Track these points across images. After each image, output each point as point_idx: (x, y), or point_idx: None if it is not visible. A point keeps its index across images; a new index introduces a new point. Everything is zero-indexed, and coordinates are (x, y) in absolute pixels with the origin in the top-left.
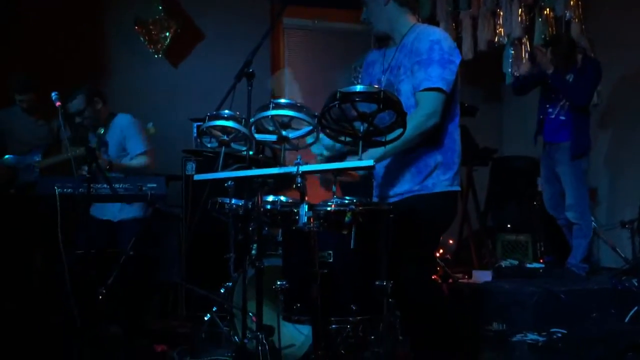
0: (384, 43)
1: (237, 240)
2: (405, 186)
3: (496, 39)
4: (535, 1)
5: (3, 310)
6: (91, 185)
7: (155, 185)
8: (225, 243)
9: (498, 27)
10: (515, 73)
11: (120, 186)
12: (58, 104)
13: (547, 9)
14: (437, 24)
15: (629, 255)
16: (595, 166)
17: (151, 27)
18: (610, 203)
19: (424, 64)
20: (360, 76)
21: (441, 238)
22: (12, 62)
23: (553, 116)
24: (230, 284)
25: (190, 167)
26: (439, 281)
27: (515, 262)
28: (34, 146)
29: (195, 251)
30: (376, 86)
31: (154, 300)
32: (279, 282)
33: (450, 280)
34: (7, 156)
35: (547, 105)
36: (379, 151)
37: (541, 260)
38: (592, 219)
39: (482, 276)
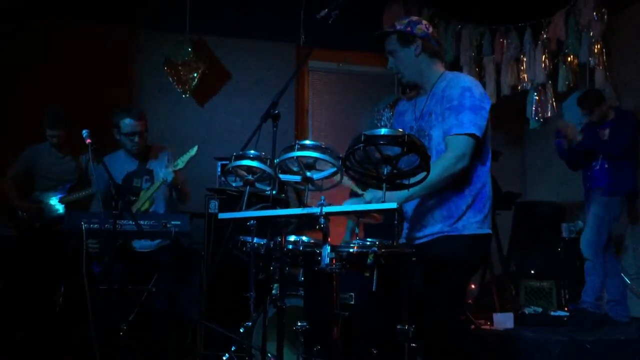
0: (412, 92)
1: (257, 280)
2: (436, 227)
3: (519, 85)
4: (559, 48)
5: (26, 344)
6: (117, 221)
7: (179, 222)
8: (246, 282)
9: (521, 72)
10: (539, 118)
11: (146, 223)
12: (88, 141)
13: (571, 56)
14: (460, 69)
15: None
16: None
17: (180, 68)
18: (637, 252)
19: (455, 110)
20: (382, 119)
21: None
22: (42, 99)
23: (597, 167)
24: (250, 323)
25: (214, 205)
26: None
27: (539, 309)
28: (62, 182)
29: (215, 289)
30: (400, 130)
31: (173, 337)
32: (299, 323)
33: (473, 326)
34: (35, 192)
35: (590, 160)
36: (404, 193)
37: (566, 309)
38: (620, 267)
39: (504, 319)
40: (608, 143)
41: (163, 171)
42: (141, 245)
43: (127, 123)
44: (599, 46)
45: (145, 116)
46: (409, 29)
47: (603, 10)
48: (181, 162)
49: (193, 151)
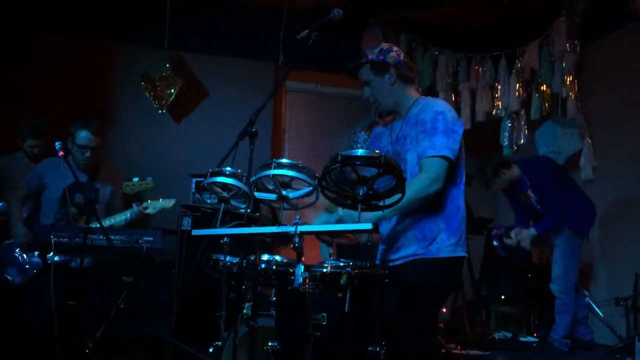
0: (388, 117)
1: (229, 298)
2: (410, 249)
3: (494, 111)
4: (532, 77)
5: None
6: (87, 235)
7: (151, 238)
8: (217, 300)
9: (496, 100)
10: (513, 144)
11: (117, 238)
12: (61, 153)
13: (544, 85)
14: (436, 94)
15: (624, 333)
16: (590, 242)
17: (157, 83)
18: (606, 279)
19: (429, 133)
20: (359, 141)
21: None
22: (18, 111)
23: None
24: (220, 343)
25: (187, 222)
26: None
27: (509, 335)
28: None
29: (186, 307)
30: (377, 151)
31: (140, 355)
32: (270, 343)
33: (443, 350)
34: (1, 203)
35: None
36: (378, 213)
37: (535, 334)
38: (587, 294)
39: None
40: (549, 222)
41: (130, 211)
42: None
43: (83, 136)
44: (571, 77)
45: (101, 133)
46: (381, 57)
47: (575, 42)
48: (152, 208)
49: (169, 203)
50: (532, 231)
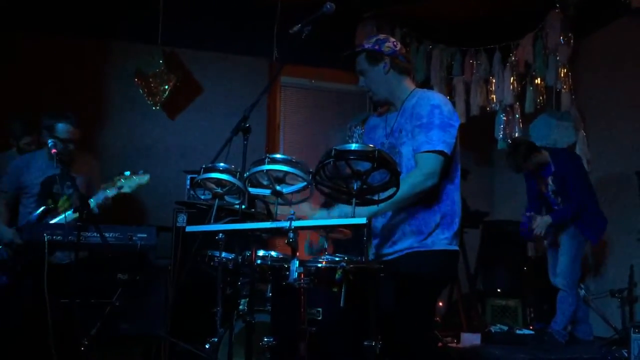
0: (383, 108)
1: (225, 294)
2: (405, 243)
3: (488, 106)
4: (527, 70)
5: None
6: (81, 233)
7: (145, 235)
8: (212, 297)
9: (490, 93)
10: (507, 138)
11: (110, 235)
12: (54, 151)
13: (539, 79)
14: (430, 88)
15: (619, 325)
16: None
17: (151, 80)
18: (601, 271)
19: (425, 128)
20: (354, 136)
21: None
22: (11, 108)
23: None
24: (216, 339)
25: (182, 219)
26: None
27: (505, 328)
28: None
29: (181, 304)
30: (371, 145)
31: (136, 352)
32: (266, 339)
33: (440, 344)
34: None
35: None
36: (373, 208)
37: (531, 327)
38: (582, 287)
39: (471, 339)
40: (566, 211)
41: (100, 193)
42: (60, 257)
43: (64, 128)
44: (565, 70)
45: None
46: (376, 47)
47: (569, 34)
48: (128, 187)
49: (144, 179)
50: (548, 218)
